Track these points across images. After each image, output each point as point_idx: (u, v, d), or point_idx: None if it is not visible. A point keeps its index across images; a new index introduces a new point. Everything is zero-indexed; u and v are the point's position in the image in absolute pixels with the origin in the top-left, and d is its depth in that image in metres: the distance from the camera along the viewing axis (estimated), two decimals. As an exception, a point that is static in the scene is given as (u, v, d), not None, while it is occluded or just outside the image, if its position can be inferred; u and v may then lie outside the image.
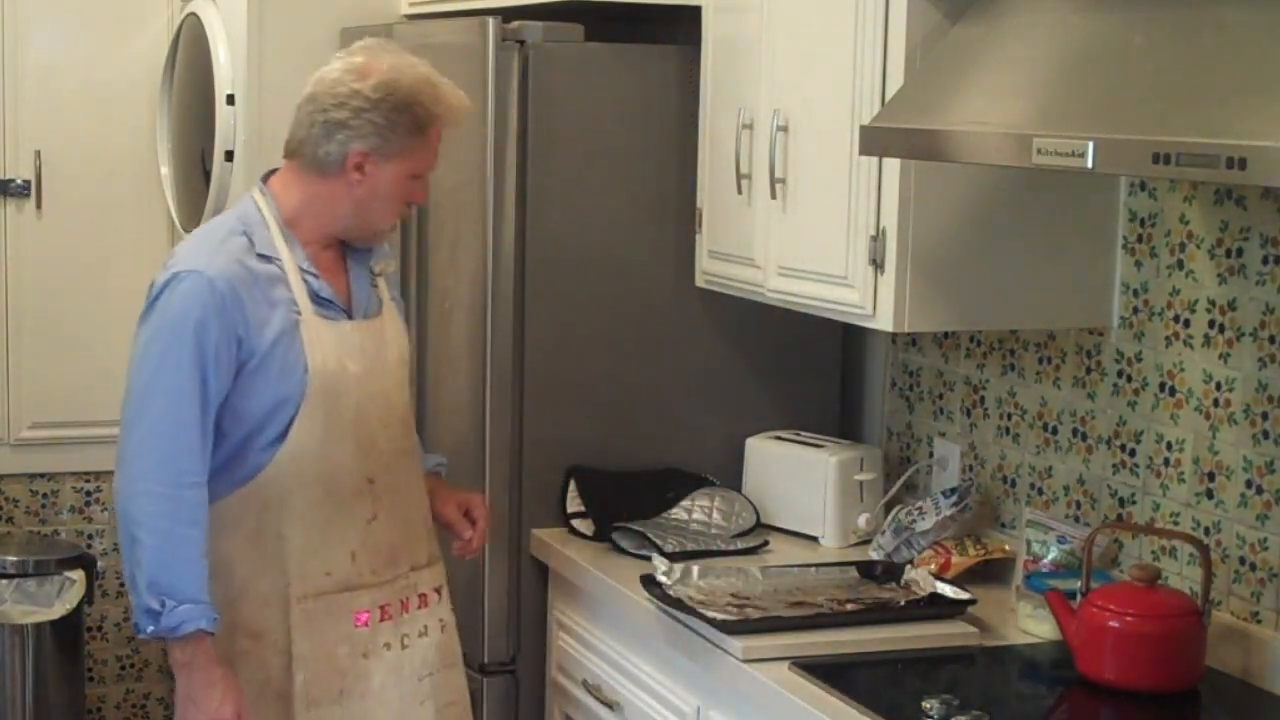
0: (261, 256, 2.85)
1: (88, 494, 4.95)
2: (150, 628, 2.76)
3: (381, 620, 2.94)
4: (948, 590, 2.97)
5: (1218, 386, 2.82)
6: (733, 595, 3.00)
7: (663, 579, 3.02)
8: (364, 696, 2.93)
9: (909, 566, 3.09)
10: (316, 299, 2.88)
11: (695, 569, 3.06)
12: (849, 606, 2.97)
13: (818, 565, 3.18)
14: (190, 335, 2.76)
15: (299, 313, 2.84)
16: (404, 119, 2.84)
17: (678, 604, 2.94)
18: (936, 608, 2.95)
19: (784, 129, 3.17)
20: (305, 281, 2.87)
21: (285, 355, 2.82)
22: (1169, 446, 2.92)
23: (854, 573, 3.15)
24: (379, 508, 2.93)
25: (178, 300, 2.78)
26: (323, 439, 2.86)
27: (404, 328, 3.07)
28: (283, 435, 2.84)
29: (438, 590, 3.05)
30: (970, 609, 2.93)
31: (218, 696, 2.80)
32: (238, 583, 2.88)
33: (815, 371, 3.74)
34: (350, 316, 2.92)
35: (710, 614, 2.87)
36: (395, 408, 2.97)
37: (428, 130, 2.88)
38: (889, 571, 3.12)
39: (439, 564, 3.08)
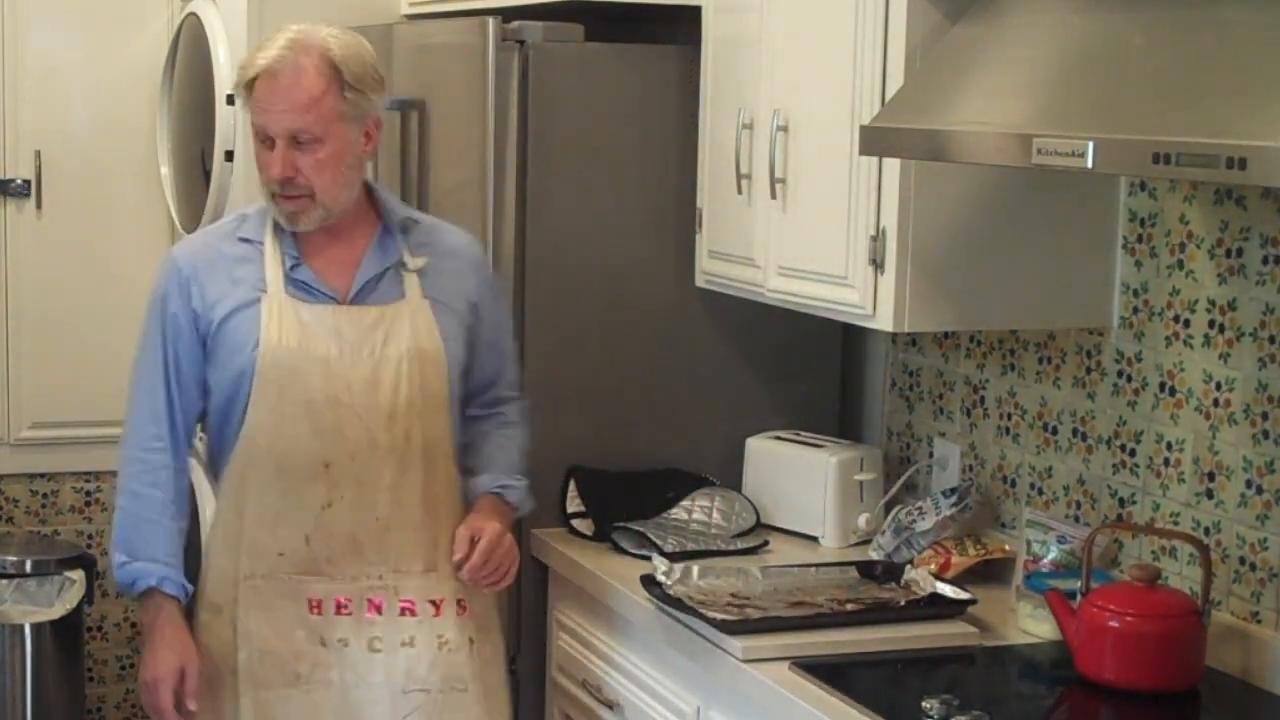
0: (242, 240, 2.94)
1: (88, 494, 4.95)
2: (120, 578, 2.91)
3: (337, 613, 2.90)
4: (948, 590, 2.97)
5: (1218, 386, 2.82)
6: (733, 595, 3.00)
7: (663, 579, 3.02)
8: (327, 686, 2.89)
9: (909, 566, 3.09)
10: (290, 280, 2.89)
11: (695, 569, 3.06)
12: (849, 606, 2.97)
13: (818, 565, 3.18)
14: (159, 312, 2.95)
15: (264, 290, 2.88)
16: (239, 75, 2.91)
17: (678, 604, 2.94)
18: (937, 608, 2.95)
19: (784, 129, 3.17)
20: (283, 263, 2.90)
21: (238, 330, 2.88)
22: (1169, 446, 2.92)
23: (854, 573, 3.15)
24: (334, 495, 2.88)
25: (155, 281, 2.98)
26: (276, 416, 2.87)
27: (434, 325, 2.93)
28: (244, 410, 2.90)
29: (435, 603, 2.94)
30: (970, 609, 2.93)
31: (155, 658, 2.87)
32: (206, 558, 2.97)
33: (815, 371, 3.74)
34: (340, 302, 2.91)
35: (710, 614, 2.87)
36: (383, 399, 2.89)
37: (244, 90, 2.86)
38: (889, 571, 3.12)
39: (445, 576, 2.95)
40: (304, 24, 2.88)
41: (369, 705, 2.90)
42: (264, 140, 2.86)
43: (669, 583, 3.01)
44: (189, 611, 2.96)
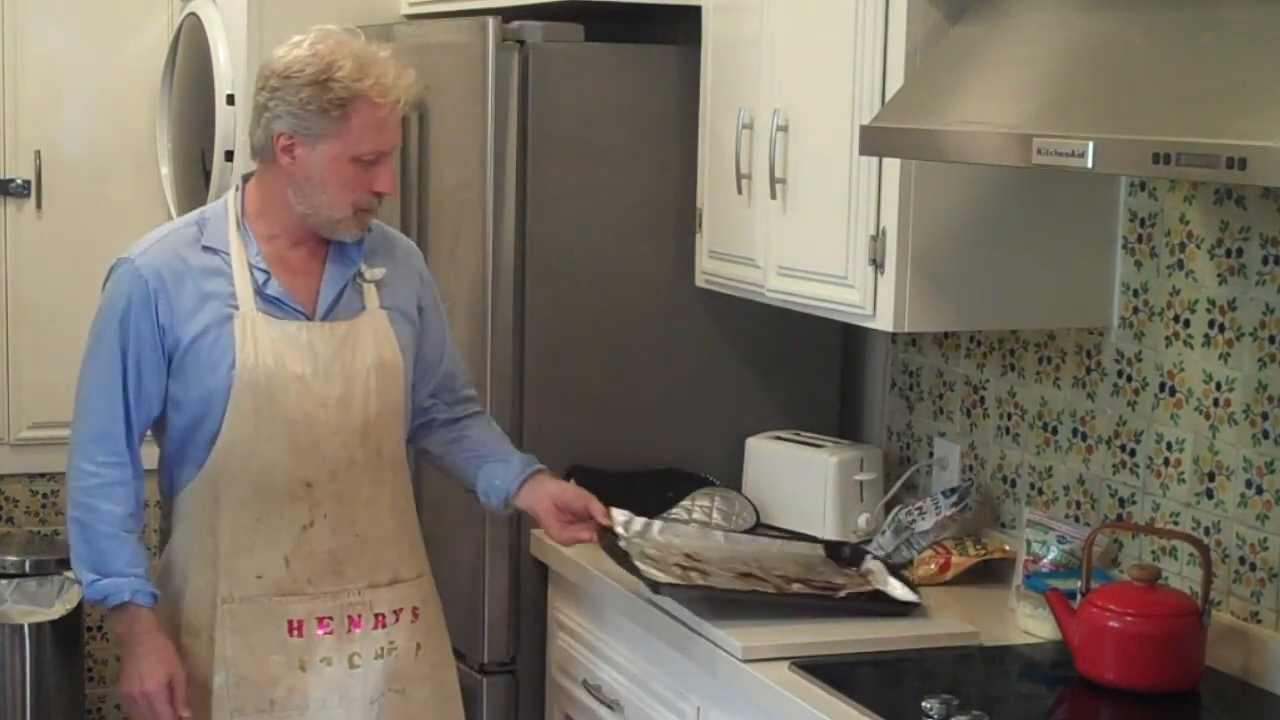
0: (207, 249, 2.85)
1: (88, 494, 4.94)
2: (88, 599, 2.88)
3: (321, 633, 2.88)
4: (897, 589, 2.95)
5: (1218, 386, 2.82)
6: (686, 555, 2.98)
7: (620, 529, 2.98)
8: (302, 711, 2.88)
9: (869, 556, 3.07)
10: (262, 295, 2.84)
11: (657, 525, 3.02)
12: (795, 588, 2.96)
13: (786, 538, 3.17)
14: (115, 321, 2.84)
15: (236, 307, 2.82)
16: (318, 96, 2.76)
17: (622, 555, 2.90)
18: (877, 604, 2.93)
19: (784, 129, 3.17)
20: (253, 277, 2.84)
21: (213, 348, 2.81)
22: (1169, 446, 2.92)
23: (821, 551, 3.13)
24: (316, 515, 2.87)
25: (110, 288, 2.90)
26: (254, 436, 2.82)
27: (393, 336, 2.92)
28: (218, 429, 2.83)
29: (396, 612, 2.95)
30: (916, 612, 2.91)
31: (145, 669, 2.83)
32: (182, 579, 2.90)
33: (815, 371, 3.74)
34: (309, 317, 2.86)
35: (643, 568, 2.84)
36: (355, 415, 2.87)
37: (348, 108, 2.76)
38: (854, 555, 3.10)
39: (412, 584, 2.98)
40: (347, 30, 2.86)
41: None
42: (371, 160, 2.80)
43: (624, 533, 2.98)
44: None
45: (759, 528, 3.48)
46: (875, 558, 3.08)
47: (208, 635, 2.87)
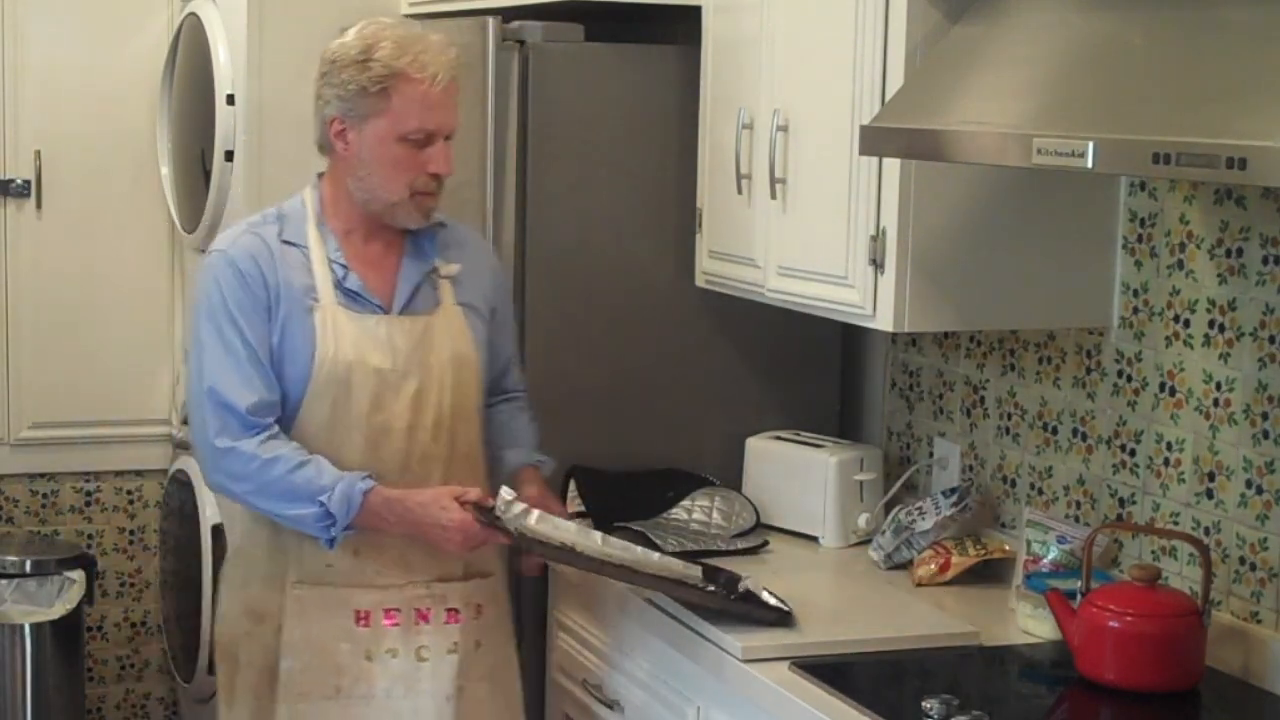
0: (287, 243, 2.88)
1: (88, 494, 4.94)
2: (334, 532, 2.80)
3: (387, 624, 2.90)
4: (770, 599, 2.89)
5: (1218, 386, 2.82)
6: (560, 543, 2.96)
7: (499, 507, 2.91)
8: (367, 700, 2.90)
9: (745, 578, 2.97)
10: (341, 289, 2.87)
11: (535, 513, 2.95)
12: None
13: (665, 553, 3.10)
14: (223, 309, 2.84)
15: (316, 299, 2.85)
16: (358, 76, 2.80)
17: (489, 514, 2.86)
18: (745, 604, 2.88)
19: (784, 129, 3.17)
20: (332, 271, 2.87)
21: (295, 339, 2.84)
22: (1169, 446, 2.92)
23: (698, 571, 3.03)
24: None
25: (208, 284, 2.88)
26: (329, 428, 2.85)
27: (468, 332, 2.95)
28: (293, 418, 2.85)
29: (471, 607, 2.96)
30: (786, 622, 2.86)
31: (437, 520, 2.82)
32: (250, 563, 2.93)
33: (815, 371, 3.74)
34: (386, 311, 2.89)
35: (501, 515, 2.83)
36: (429, 410, 2.89)
37: (388, 85, 2.80)
38: (730, 580, 2.99)
39: (486, 580, 2.99)
40: (391, 18, 2.92)
41: (412, 714, 2.91)
42: (420, 140, 2.83)
43: (504, 514, 2.91)
44: (215, 617, 2.98)
45: (759, 528, 3.48)
46: (747, 580, 2.98)
47: (274, 622, 2.89)
